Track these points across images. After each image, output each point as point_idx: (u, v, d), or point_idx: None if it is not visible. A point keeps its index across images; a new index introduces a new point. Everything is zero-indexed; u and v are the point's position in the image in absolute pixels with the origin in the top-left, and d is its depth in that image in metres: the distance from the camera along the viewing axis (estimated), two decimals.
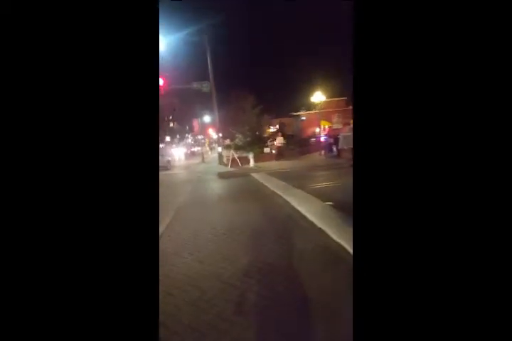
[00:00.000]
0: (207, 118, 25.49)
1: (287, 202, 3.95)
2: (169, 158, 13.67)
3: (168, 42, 10.35)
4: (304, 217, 3.16)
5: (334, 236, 2.44)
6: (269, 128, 22.00)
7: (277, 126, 23.10)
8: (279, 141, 11.38)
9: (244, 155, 10.68)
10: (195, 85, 11.23)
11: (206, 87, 11.14)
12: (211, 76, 11.30)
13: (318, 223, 2.87)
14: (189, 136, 39.46)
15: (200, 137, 31.32)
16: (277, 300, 1.60)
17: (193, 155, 25.16)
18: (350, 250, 2.12)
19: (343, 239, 2.34)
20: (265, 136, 15.71)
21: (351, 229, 2.48)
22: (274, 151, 11.43)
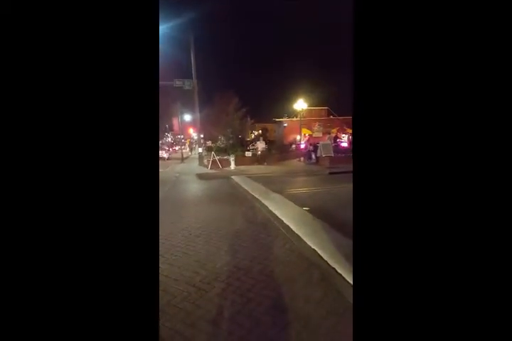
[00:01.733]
0: (187, 117, 24.84)
1: (265, 206, 3.95)
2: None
3: None
4: (281, 222, 3.16)
5: (310, 243, 2.45)
6: (252, 132, 22.09)
7: (260, 131, 23.27)
8: (260, 145, 11.45)
9: (226, 157, 10.60)
10: (177, 82, 10.87)
11: (189, 84, 10.82)
12: (194, 74, 11.01)
13: (294, 228, 2.88)
14: (169, 134, 38.49)
15: (180, 136, 30.67)
16: (247, 305, 1.56)
17: (174, 152, 24.82)
18: (323, 255, 2.14)
19: (316, 244, 2.36)
20: (248, 139, 15.73)
21: (326, 236, 2.50)
22: (256, 155, 11.46)
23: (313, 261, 2.12)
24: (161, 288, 1.75)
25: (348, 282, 1.72)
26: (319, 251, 2.23)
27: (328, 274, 1.89)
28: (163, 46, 10.98)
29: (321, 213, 3.40)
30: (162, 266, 2.10)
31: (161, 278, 1.89)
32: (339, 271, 1.88)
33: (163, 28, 10.03)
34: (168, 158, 17.31)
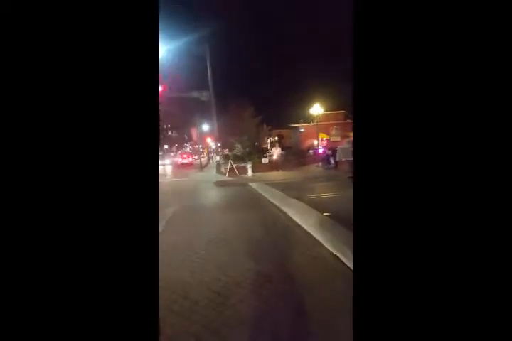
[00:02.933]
0: (205, 127, 25.60)
1: (284, 213, 3.90)
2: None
3: (168, 49, 10.04)
4: (301, 228, 3.11)
5: (333, 250, 2.38)
6: (268, 139, 22.17)
7: (276, 138, 23.29)
8: (276, 151, 11.46)
9: (243, 164, 10.67)
10: (194, 94, 11.33)
11: (206, 95, 11.24)
12: (211, 85, 11.36)
13: (315, 234, 2.81)
14: (188, 145, 39.64)
15: (199, 146, 31.52)
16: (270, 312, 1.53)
17: (193, 161, 25.45)
18: (347, 262, 2.07)
19: (339, 250, 2.29)
20: (264, 146, 15.78)
21: (349, 242, 2.41)
22: (273, 161, 11.45)
23: (335, 267, 2.05)
24: (181, 294, 1.77)
25: None
26: (342, 258, 2.16)
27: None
28: (180, 59, 11.48)
29: (341, 218, 3.31)
30: (183, 272, 2.13)
31: (181, 283, 1.91)
32: None
33: (180, 43, 10.51)
34: (189, 164, 21.79)
